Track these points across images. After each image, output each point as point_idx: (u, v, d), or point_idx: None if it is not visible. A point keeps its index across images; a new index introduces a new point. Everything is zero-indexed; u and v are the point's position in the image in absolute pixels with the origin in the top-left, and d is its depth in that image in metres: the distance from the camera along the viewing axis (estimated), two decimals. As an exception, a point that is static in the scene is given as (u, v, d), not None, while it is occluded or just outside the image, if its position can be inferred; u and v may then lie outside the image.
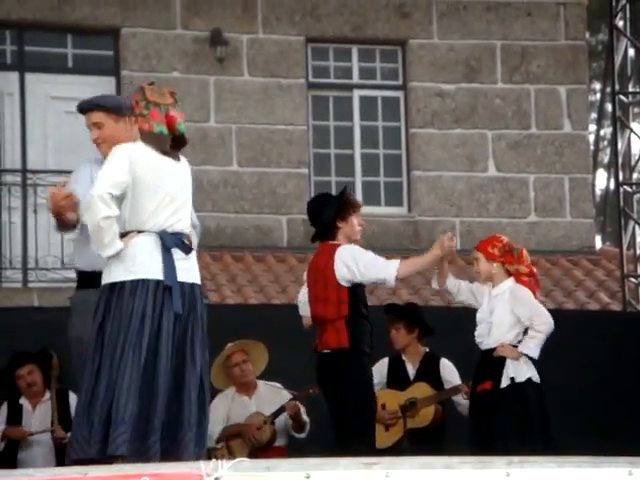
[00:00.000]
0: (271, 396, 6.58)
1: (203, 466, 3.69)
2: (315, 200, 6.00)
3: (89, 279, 4.78)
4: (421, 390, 6.51)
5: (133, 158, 4.56)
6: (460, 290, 6.11)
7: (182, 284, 4.54)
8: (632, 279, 10.48)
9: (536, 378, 5.91)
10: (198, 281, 4.64)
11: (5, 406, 6.73)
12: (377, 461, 3.83)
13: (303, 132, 11.28)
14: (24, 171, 10.48)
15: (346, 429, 5.50)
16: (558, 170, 11.56)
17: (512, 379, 5.84)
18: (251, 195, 11.06)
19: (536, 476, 3.82)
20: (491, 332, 5.92)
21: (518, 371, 5.86)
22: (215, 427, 6.33)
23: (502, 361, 5.88)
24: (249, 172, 11.10)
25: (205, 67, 11.08)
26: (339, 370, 5.58)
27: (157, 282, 4.50)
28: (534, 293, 6.04)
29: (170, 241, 4.54)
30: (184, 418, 4.46)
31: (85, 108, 4.94)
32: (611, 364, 8.14)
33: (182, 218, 4.63)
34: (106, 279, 4.56)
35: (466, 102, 11.48)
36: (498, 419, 5.81)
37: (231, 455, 6.28)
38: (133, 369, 4.43)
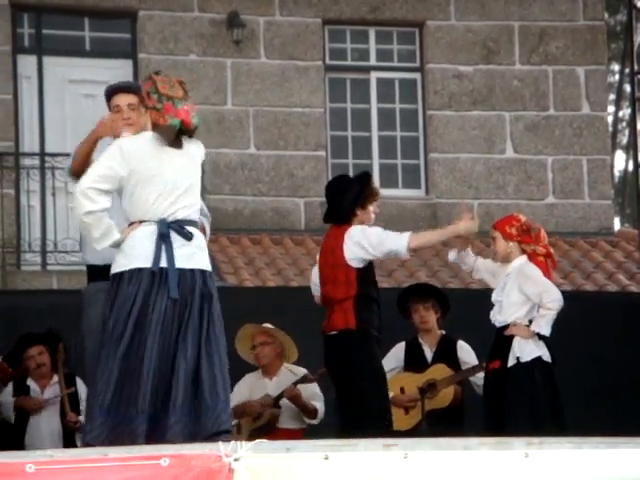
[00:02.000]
0: (288, 381, 6.60)
1: (222, 447, 3.71)
2: (337, 183, 5.96)
3: (99, 272, 4.84)
4: (440, 371, 6.52)
5: (128, 152, 4.61)
6: (477, 268, 6.10)
7: (181, 270, 4.55)
8: (651, 260, 10.44)
9: (546, 357, 5.88)
10: (204, 267, 4.63)
11: (11, 385, 6.66)
12: (396, 442, 3.84)
13: (320, 115, 11.27)
14: (42, 154, 10.51)
15: (361, 412, 5.50)
16: (576, 152, 11.52)
17: (518, 359, 5.83)
18: (268, 178, 11.07)
19: (555, 457, 3.83)
20: (501, 310, 5.91)
21: (524, 350, 5.84)
22: (233, 404, 6.36)
23: (511, 340, 5.87)
24: (266, 155, 11.10)
25: (222, 50, 11.07)
26: (346, 352, 5.56)
27: (152, 270, 4.53)
28: (549, 273, 6.01)
29: (165, 229, 4.55)
30: (170, 401, 4.46)
31: (123, 88, 5.02)
32: (631, 345, 8.11)
33: (186, 205, 4.63)
34: (111, 270, 4.63)
35: (484, 84, 11.44)
36: (507, 399, 5.80)
37: (239, 433, 6.33)
38: (109, 359, 4.47)
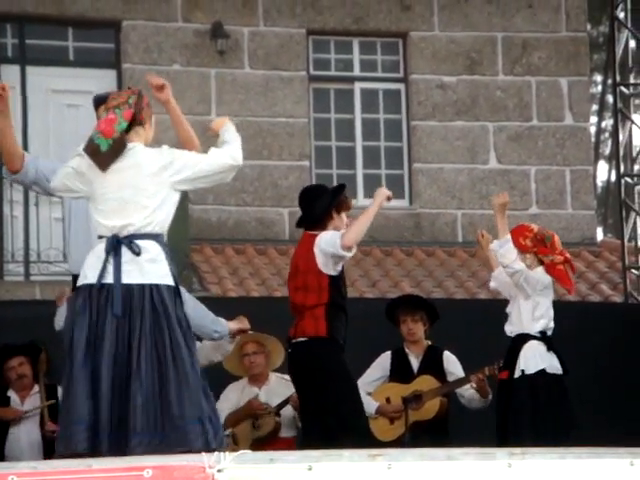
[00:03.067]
0: (281, 388, 6.58)
1: (206, 458, 3.70)
2: (311, 188, 6.00)
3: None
4: (426, 383, 6.51)
5: (84, 169, 4.62)
6: (494, 276, 6.11)
7: (128, 286, 4.51)
8: (634, 271, 10.48)
9: (553, 369, 5.85)
10: (155, 281, 4.55)
11: None
12: (380, 452, 3.84)
13: (304, 125, 11.28)
14: (26, 164, 10.48)
15: (338, 419, 5.46)
16: (559, 162, 11.56)
17: (522, 371, 5.83)
18: (253, 188, 11.06)
19: (538, 467, 3.84)
20: (511, 320, 5.91)
21: (529, 363, 5.82)
22: (223, 415, 6.33)
23: (518, 351, 5.86)
24: (250, 165, 11.09)
25: (206, 60, 11.07)
26: (316, 358, 5.53)
27: (97, 286, 4.52)
28: (569, 280, 5.99)
29: (113, 244, 4.53)
30: (129, 423, 4.41)
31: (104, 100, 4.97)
32: (612, 356, 8.14)
33: (138, 219, 4.57)
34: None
35: (467, 94, 11.47)
36: (511, 412, 5.80)
37: (235, 445, 6.28)
38: (73, 373, 4.47)
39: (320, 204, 5.71)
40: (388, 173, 11.53)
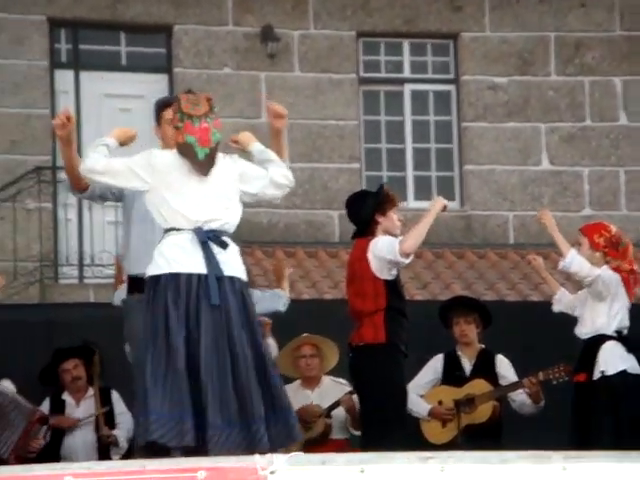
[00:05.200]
0: (333, 391, 6.59)
1: (258, 460, 3.71)
2: (352, 197, 6.00)
3: (140, 282, 4.85)
4: (479, 386, 6.47)
5: (159, 164, 4.69)
6: (558, 299, 6.09)
7: (219, 277, 4.59)
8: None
9: (634, 369, 5.77)
10: (240, 275, 4.67)
11: (47, 401, 6.70)
12: (432, 455, 3.82)
13: (354, 127, 11.27)
14: (79, 168, 10.57)
15: (381, 428, 5.45)
16: (613, 163, 11.44)
17: (602, 372, 5.75)
18: (303, 190, 11.08)
19: (593, 471, 3.79)
20: (583, 322, 5.84)
21: (609, 364, 5.74)
22: None
23: (596, 353, 5.79)
24: (300, 167, 11.11)
25: (256, 63, 11.11)
26: (372, 365, 5.54)
27: (190, 275, 4.57)
28: (631, 290, 5.94)
29: (204, 237, 4.61)
30: (221, 414, 4.46)
31: (168, 103, 5.02)
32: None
33: (218, 218, 4.67)
34: (148, 271, 4.67)
35: (519, 95, 11.40)
36: (592, 414, 5.72)
37: None
38: (156, 361, 4.49)
39: (363, 211, 5.71)
40: (439, 175, 11.49)
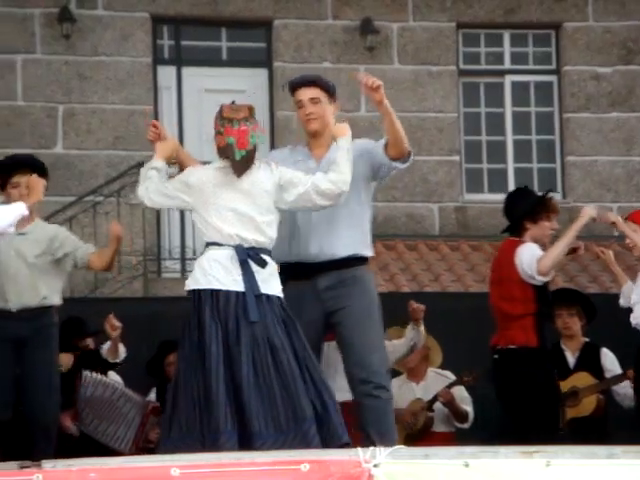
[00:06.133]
0: (437, 384, 6.58)
1: (361, 453, 3.71)
2: (513, 192, 5.93)
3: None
4: (583, 379, 6.39)
5: (194, 182, 4.75)
6: (622, 291, 5.97)
7: (258, 295, 4.61)
8: None
9: None
10: (277, 293, 4.67)
11: (154, 391, 6.80)
12: (537, 450, 3.78)
13: (454, 119, 11.21)
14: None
15: (530, 432, 5.38)
16: None
17: None
18: (402, 183, 11.05)
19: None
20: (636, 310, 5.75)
21: None
22: None
23: None
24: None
25: (356, 56, 11.11)
26: (524, 369, 5.49)
27: (228, 292, 4.60)
28: None
29: (244, 255, 4.61)
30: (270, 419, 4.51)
31: (303, 83, 5.01)
32: None
33: (254, 235, 4.66)
34: (188, 285, 4.73)
35: (623, 85, 11.20)
36: None
37: None
38: (192, 377, 4.56)
39: (516, 212, 5.64)
40: (540, 167, 11.36)
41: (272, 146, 9.93)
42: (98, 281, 10.01)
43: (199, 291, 4.64)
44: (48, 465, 3.69)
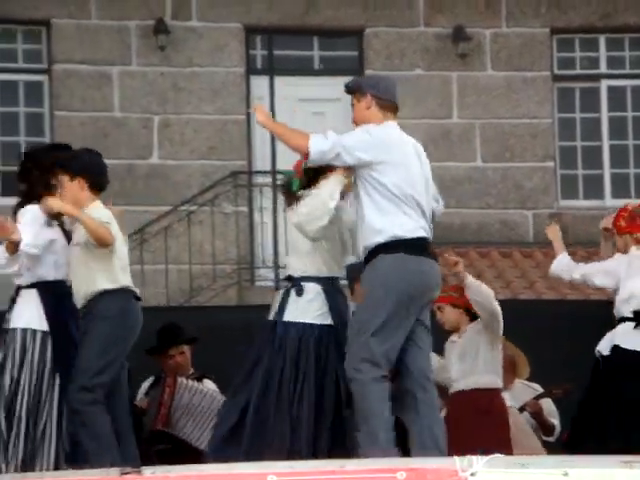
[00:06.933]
0: (524, 395, 6.51)
1: (458, 462, 3.70)
2: None
3: None
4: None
5: None
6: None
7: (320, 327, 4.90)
8: None
9: None
10: (316, 321, 4.96)
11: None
12: (636, 459, 3.72)
13: (548, 125, 11.10)
14: (274, 172, 10.80)
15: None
16: None
17: None
18: (496, 190, 10.98)
19: None
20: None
21: None
22: None
23: None
24: (493, 167, 11.02)
25: (447, 63, 11.07)
26: None
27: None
28: None
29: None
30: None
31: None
32: None
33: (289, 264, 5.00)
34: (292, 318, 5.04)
35: None
36: None
37: None
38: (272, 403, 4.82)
39: None
40: (637, 172, 11.18)
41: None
42: (193, 290, 10.14)
43: (295, 323, 4.97)
44: (148, 472, 3.75)
